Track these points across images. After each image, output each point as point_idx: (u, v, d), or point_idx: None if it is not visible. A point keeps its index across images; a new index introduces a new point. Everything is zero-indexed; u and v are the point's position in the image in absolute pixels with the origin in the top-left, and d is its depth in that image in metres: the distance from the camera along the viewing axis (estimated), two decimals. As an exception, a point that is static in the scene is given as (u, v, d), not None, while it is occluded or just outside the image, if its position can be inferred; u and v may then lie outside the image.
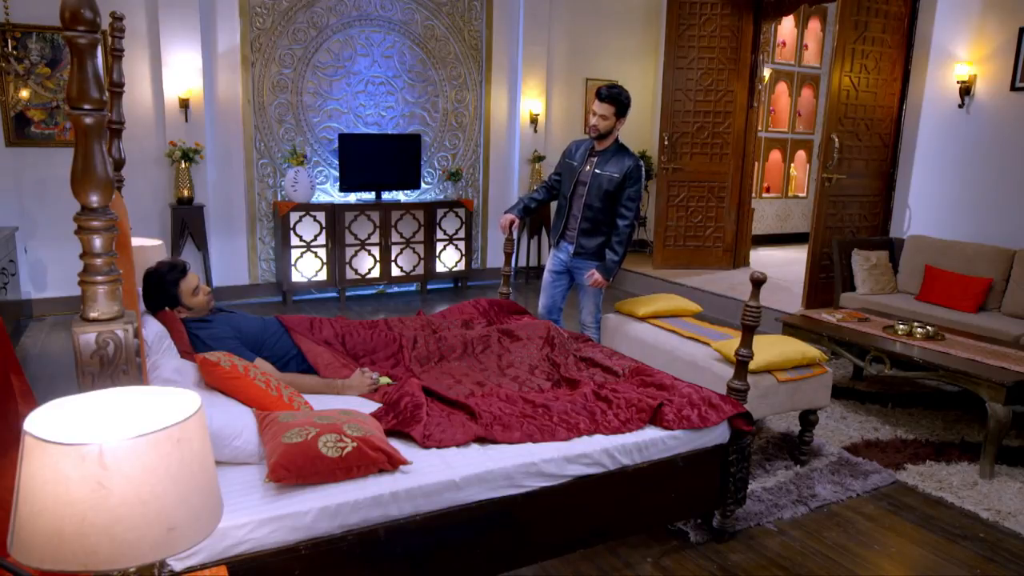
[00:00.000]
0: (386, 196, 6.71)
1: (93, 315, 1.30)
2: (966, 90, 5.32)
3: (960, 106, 5.38)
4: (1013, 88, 5.08)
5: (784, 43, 9.45)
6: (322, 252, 6.31)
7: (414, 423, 2.35)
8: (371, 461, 2.04)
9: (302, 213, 6.16)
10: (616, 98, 3.67)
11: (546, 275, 4.10)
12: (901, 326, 3.97)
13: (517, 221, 3.97)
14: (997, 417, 3.26)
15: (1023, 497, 3.17)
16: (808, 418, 3.43)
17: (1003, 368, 3.40)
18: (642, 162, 3.85)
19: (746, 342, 2.72)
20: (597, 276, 3.81)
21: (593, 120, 3.74)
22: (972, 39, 5.30)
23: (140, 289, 2.75)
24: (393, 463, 2.09)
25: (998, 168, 5.21)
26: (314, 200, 6.31)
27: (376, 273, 6.61)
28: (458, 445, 2.29)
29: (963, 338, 3.94)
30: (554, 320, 4.10)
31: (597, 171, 3.77)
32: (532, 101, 7.32)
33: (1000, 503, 3.11)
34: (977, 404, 3.50)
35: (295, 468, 1.95)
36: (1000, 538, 2.87)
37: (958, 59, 5.37)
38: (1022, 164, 5.06)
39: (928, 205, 5.69)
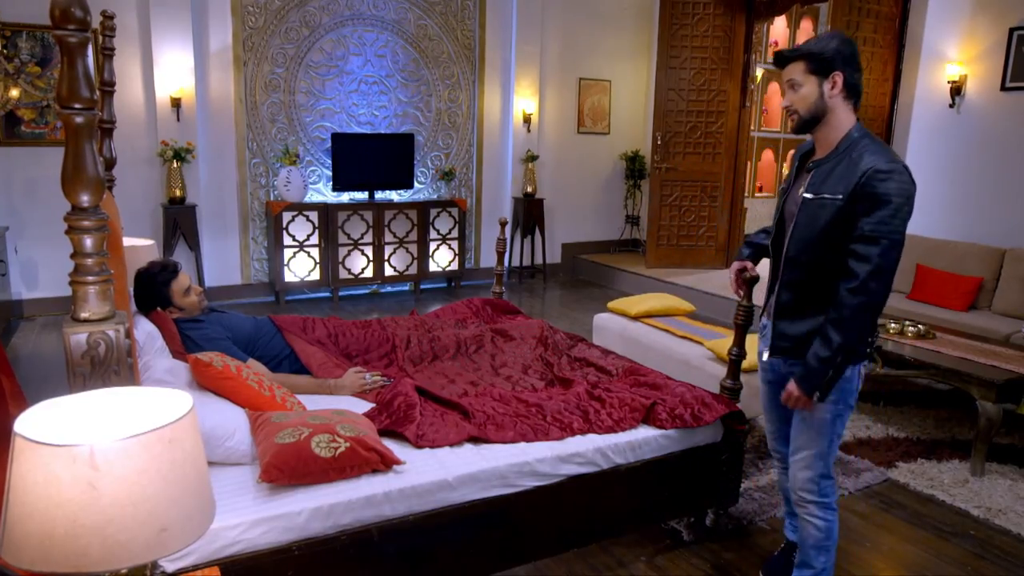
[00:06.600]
0: (379, 196, 6.69)
1: (84, 315, 1.29)
2: (957, 90, 5.35)
3: (951, 106, 5.41)
4: (1003, 88, 5.11)
5: (776, 43, 9.46)
6: (315, 252, 6.29)
7: (407, 423, 2.35)
8: (364, 461, 2.04)
9: (295, 213, 6.14)
10: (802, 49, 2.03)
11: (762, 386, 2.47)
12: (892, 325, 3.99)
13: (747, 263, 2.44)
14: (987, 415, 3.28)
15: (1013, 494, 3.19)
16: (800, 417, 3.43)
17: (993, 366, 3.42)
18: (901, 164, 2.04)
19: (739, 341, 2.72)
20: (791, 389, 2.10)
21: (785, 100, 2.11)
22: (963, 40, 5.33)
23: (132, 289, 2.74)
24: (386, 463, 2.08)
25: (988, 167, 5.24)
26: (307, 200, 6.28)
27: (369, 273, 6.60)
28: (451, 445, 2.28)
29: (954, 337, 3.96)
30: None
31: (808, 195, 2.10)
32: (525, 100, 7.32)
33: (991, 500, 3.13)
34: (968, 402, 3.52)
35: (288, 468, 1.94)
36: (990, 535, 2.89)
37: (949, 59, 5.40)
38: (1012, 163, 5.09)
39: (919, 204, 5.62)
